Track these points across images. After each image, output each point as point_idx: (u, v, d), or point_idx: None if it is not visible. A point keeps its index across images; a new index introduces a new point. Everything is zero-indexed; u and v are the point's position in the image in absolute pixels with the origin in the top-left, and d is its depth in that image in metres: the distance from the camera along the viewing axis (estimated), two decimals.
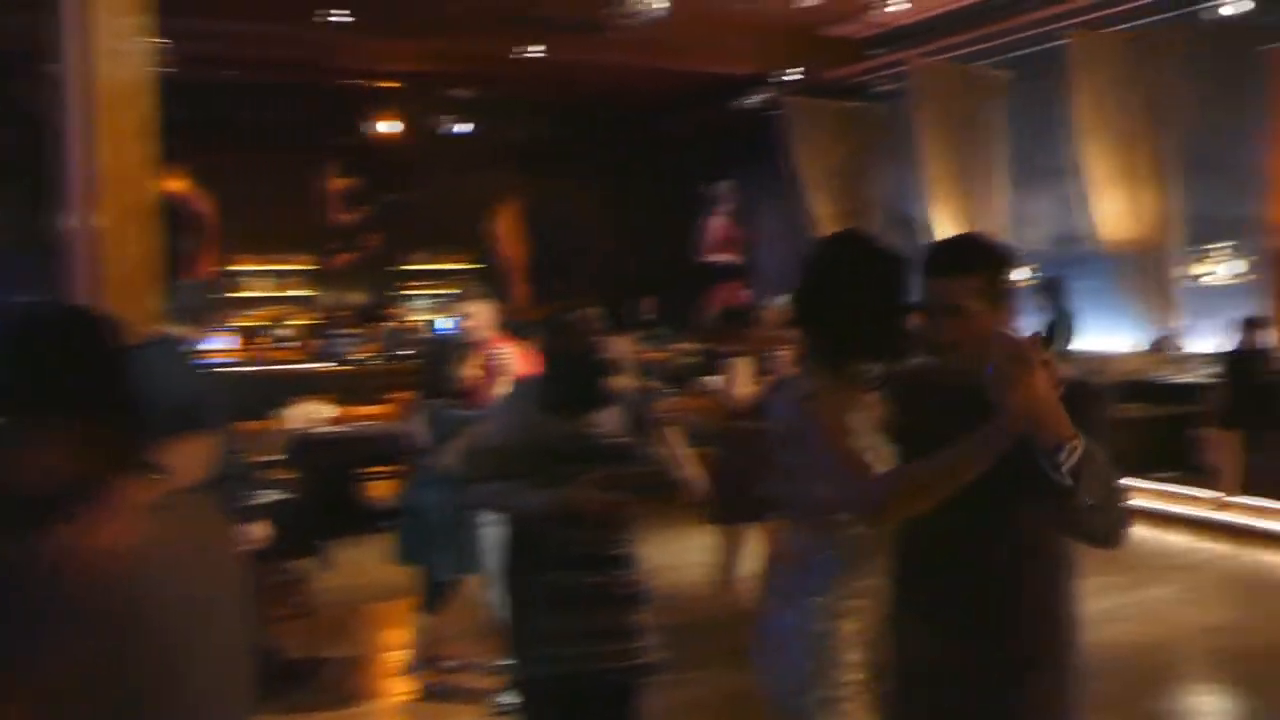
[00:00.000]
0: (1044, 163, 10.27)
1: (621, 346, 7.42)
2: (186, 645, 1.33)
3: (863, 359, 2.07)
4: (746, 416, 5.10)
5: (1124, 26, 8.94)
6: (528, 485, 2.85)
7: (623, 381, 4.80)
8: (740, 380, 5.27)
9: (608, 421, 3.03)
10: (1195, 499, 7.61)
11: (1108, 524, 1.86)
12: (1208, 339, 8.37)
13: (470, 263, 13.29)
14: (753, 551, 5.14)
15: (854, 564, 2.01)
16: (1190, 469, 7.83)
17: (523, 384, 3.28)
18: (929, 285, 2.02)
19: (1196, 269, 8.41)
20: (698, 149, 13.65)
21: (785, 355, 5.29)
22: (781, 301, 6.23)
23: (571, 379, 3.00)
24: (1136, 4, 8.87)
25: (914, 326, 2.07)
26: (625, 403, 3.26)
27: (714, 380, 9.58)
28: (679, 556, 7.01)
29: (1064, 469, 1.74)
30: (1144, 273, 9.29)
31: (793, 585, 2.07)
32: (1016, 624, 2.01)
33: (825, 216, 12.02)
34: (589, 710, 2.94)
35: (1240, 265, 8.47)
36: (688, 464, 3.47)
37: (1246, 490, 7.36)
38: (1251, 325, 7.51)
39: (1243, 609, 5.80)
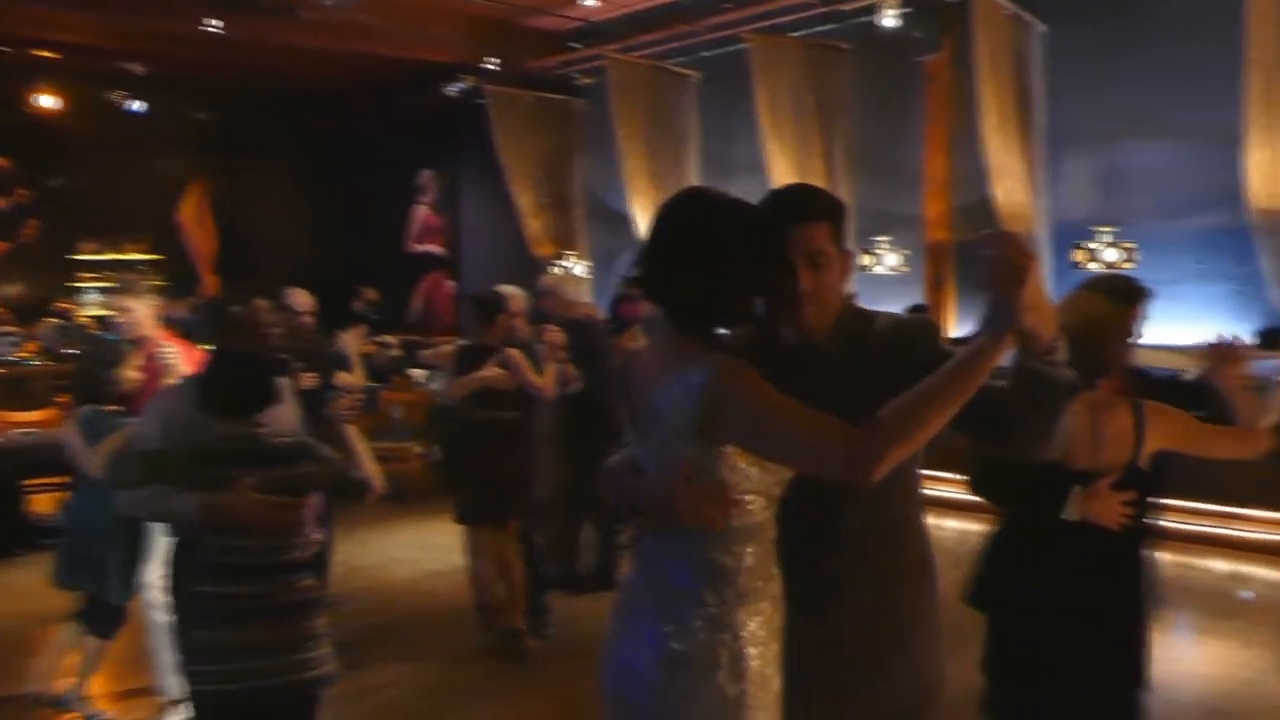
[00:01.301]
0: (734, 159, 10.83)
1: (347, 341, 7.15)
2: None
3: (730, 323, 1.86)
4: (491, 408, 4.87)
5: (798, 34, 9.55)
6: (181, 490, 2.68)
7: (307, 379, 4.62)
8: (487, 370, 4.84)
9: (280, 420, 2.88)
10: None
11: (1052, 427, 1.78)
12: None
13: (152, 253, 12.33)
14: (494, 551, 5.01)
15: (745, 564, 1.81)
16: None
17: (182, 383, 3.07)
18: (789, 234, 1.86)
19: (865, 261, 9.15)
20: (406, 137, 13.34)
21: (552, 340, 5.14)
22: (516, 290, 6.16)
23: (233, 376, 2.81)
24: (809, 13, 9.50)
25: (786, 282, 1.86)
26: (304, 400, 3.13)
27: (423, 373, 9.50)
28: (387, 554, 6.86)
29: (1059, 364, 1.70)
30: None
31: (671, 599, 1.83)
32: (888, 542, 2.00)
33: (529, 207, 12.09)
34: None
35: (899, 258, 9.28)
36: (367, 461, 3.36)
37: None
38: (914, 313, 8.29)
39: None
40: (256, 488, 2.68)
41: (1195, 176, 8.20)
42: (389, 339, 9.38)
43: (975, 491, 2.69)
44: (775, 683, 1.84)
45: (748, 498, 1.80)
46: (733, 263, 1.77)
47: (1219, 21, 7.28)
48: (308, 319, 5.65)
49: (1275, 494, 6.34)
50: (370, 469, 3.40)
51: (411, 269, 13.20)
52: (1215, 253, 8.06)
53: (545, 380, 5.01)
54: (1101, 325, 2.57)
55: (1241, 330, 7.65)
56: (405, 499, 7.92)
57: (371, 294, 11.28)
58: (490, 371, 4.83)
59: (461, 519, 5.02)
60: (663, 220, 1.86)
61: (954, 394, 1.61)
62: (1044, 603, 2.64)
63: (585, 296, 11.93)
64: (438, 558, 6.48)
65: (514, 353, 4.91)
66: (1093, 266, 7.91)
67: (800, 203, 1.95)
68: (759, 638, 1.81)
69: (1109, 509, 2.54)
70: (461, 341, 5.19)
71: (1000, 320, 1.61)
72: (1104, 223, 8.15)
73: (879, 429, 1.62)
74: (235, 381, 2.79)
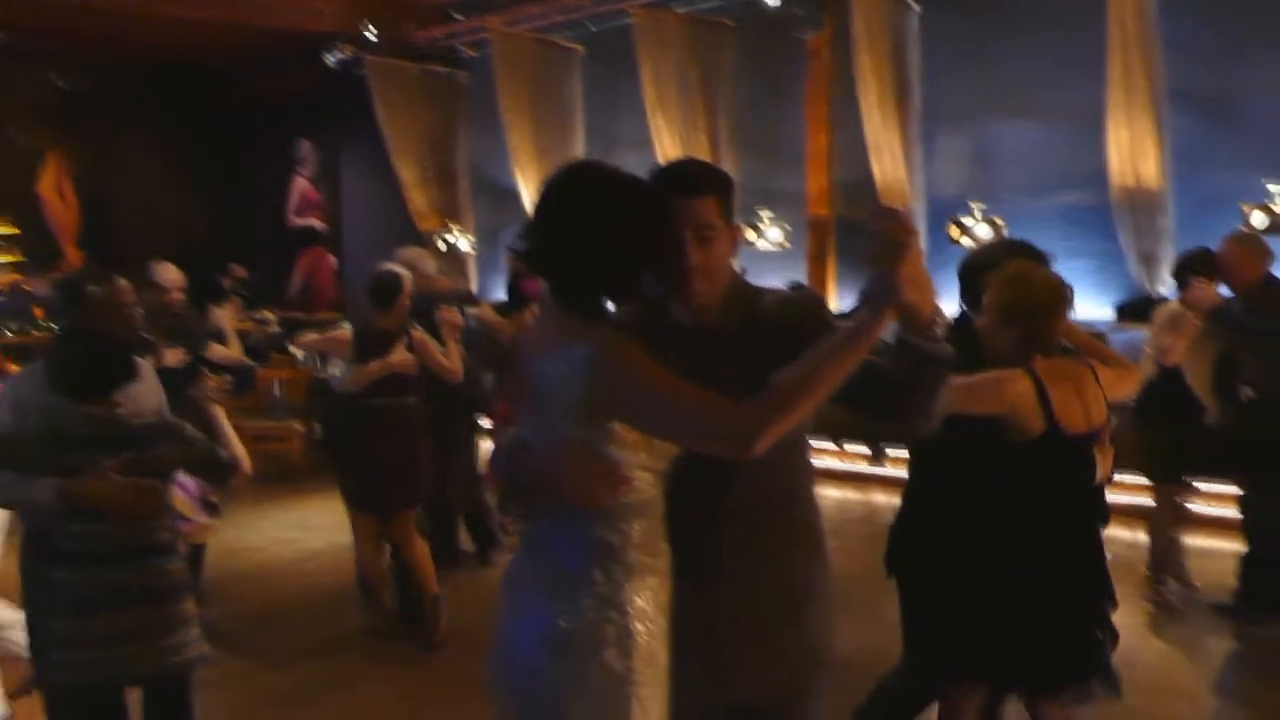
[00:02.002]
0: (619, 134, 10.81)
1: (222, 316, 6.89)
2: None
3: (618, 298, 1.85)
4: (392, 394, 4.69)
5: (683, 9, 9.57)
6: (37, 476, 2.57)
7: (173, 356, 4.47)
8: (396, 355, 4.64)
9: (141, 400, 2.78)
10: None
11: (933, 400, 1.81)
12: None
13: (12, 226, 11.69)
14: (378, 535, 4.90)
15: (633, 540, 1.81)
16: None
17: (34, 366, 2.92)
18: (678, 208, 1.85)
19: (749, 236, 9.24)
20: (283, 108, 12.92)
21: (452, 319, 4.96)
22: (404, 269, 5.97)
23: (83, 355, 2.71)
24: None
25: (674, 256, 1.84)
26: (170, 379, 3.03)
27: (300, 352, 9.25)
28: (267, 534, 6.71)
29: (939, 339, 1.72)
30: None
31: (560, 579, 1.82)
32: (778, 517, 2.00)
33: (412, 180, 11.88)
34: (121, 713, 2.75)
35: (782, 233, 9.42)
36: (235, 442, 3.27)
37: None
38: (796, 290, 8.43)
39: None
40: (117, 470, 2.60)
41: (1062, 155, 8.54)
42: (268, 315, 9.09)
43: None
44: (662, 658, 1.85)
45: (635, 474, 1.80)
46: (620, 236, 1.76)
47: (1084, 5, 7.57)
48: (176, 295, 5.45)
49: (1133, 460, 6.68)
50: (238, 449, 3.30)
51: (291, 243, 12.83)
52: (1080, 229, 8.41)
53: (452, 362, 4.91)
54: (1058, 292, 2.71)
55: (1102, 304, 8.06)
56: (286, 478, 7.77)
57: (240, 270, 10.95)
58: (400, 357, 4.70)
59: (356, 506, 4.84)
60: (550, 193, 1.85)
61: (836, 368, 1.64)
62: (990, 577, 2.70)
63: (470, 271, 11.85)
64: (321, 537, 6.38)
65: (421, 336, 4.80)
66: (965, 242, 8.17)
67: (690, 177, 1.94)
68: (647, 614, 1.82)
69: (1108, 464, 2.79)
70: (346, 325, 4.92)
71: (882, 295, 1.64)
72: (976, 199, 8.43)
73: (761, 403, 1.64)
74: (85, 361, 2.69)
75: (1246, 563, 4.83)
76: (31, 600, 2.77)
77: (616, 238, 1.76)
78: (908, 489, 3.01)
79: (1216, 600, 4.93)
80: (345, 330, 4.75)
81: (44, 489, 2.57)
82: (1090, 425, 2.73)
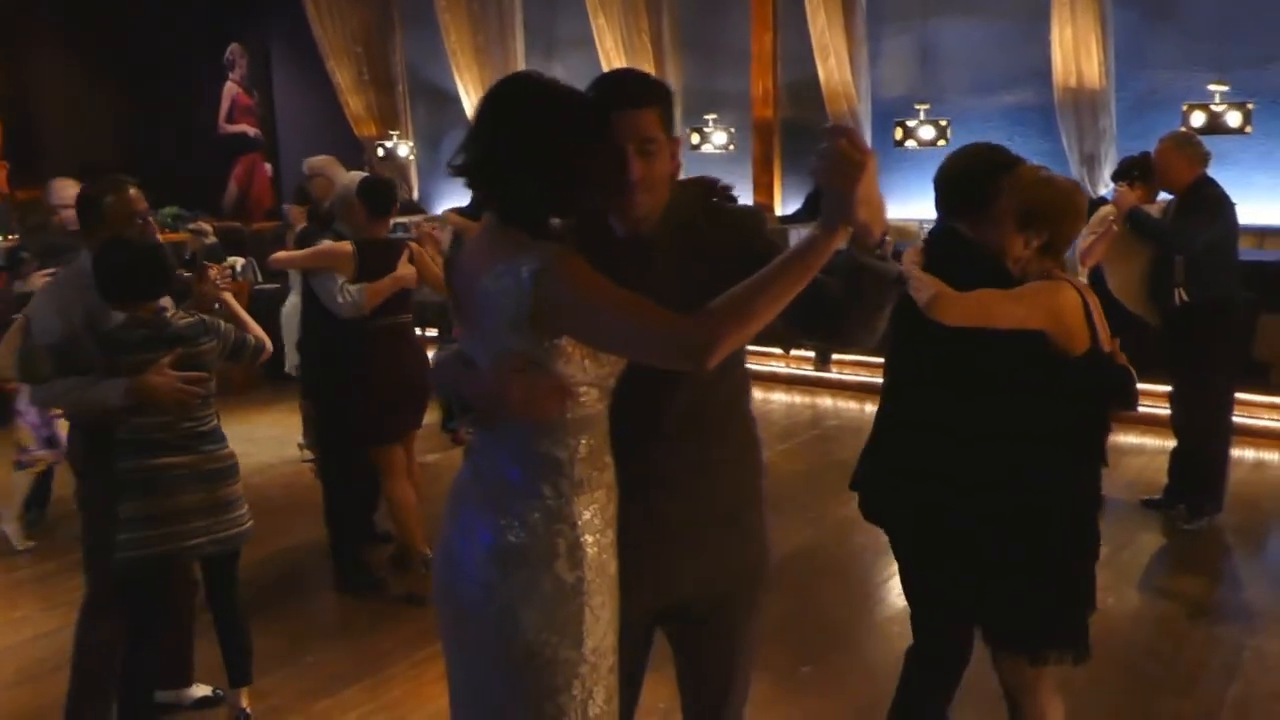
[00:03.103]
0: (560, 34, 10.58)
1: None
2: None
3: (560, 212, 1.82)
4: (395, 312, 4.27)
5: None
6: (97, 379, 2.90)
7: (39, 278, 4.35)
8: (401, 269, 4.20)
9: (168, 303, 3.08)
10: None
11: (879, 318, 1.83)
12: None
13: None
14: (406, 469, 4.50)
15: (579, 455, 1.82)
16: None
17: (71, 273, 3.10)
18: (619, 120, 1.81)
19: (694, 139, 9.15)
20: (209, 8, 12.41)
21: (436, 234, 4.65)
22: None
23: (134, 262, 2.95)
24: None
25: (616, 169, 1.82)
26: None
27: (240, 260, 9.05)
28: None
29: (888, 258, 1.72)
30: None
31: (507, 494, 1.82)
32: (717, 429, 2.03)
33: (348, 85, 11.55)
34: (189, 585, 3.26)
35: (726, 136, 9.33)
36: (253, 325, 3.40)
37: None
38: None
39: None
40: (172, 367, 2.91)
41: (1006, 54, 8.52)
42: (204, 225, 8.84)
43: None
44: (612, 567, 1.88)
45: (581, 389, 1.80)
46: (561, 151, 1.73)
47: None
48: (67, 213, 4.94)
49: None
50: (258, 331, 3.39)
51: (224, 151, 12.47)
52: (1023, 129, 8.44)
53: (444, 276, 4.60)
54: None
55: None
56: (226, 391, 7.67)
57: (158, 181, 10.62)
58: (405, 270, 4.25)
59: (384, 438, 4.32)
60: (487, 107, 1.80)
61: (788, 285, 1.64)
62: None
63: (411, 178, 11.62)
64: (268, 450, 6.35)
65: (417, 247, 4.39)
66: (910, 144, 8.16)
67: (630, 88, 1.89)
68: (595, 525, 1.84)
69: None
70: (344, 240, 4.20)
71: (835, 213, 1.62)
72: (921, 100, 8.39)
73: (715, 317, 1.63)
74: (133, 268, 2.94)
75: (1175, 459, 4.99)
76: (93, 490, 3.02)
77: (557, 152, 1.73)
78: (915, 435, 2.59)
79: (1147, 496, 5.09)
80: (346, 244, 4.18)
81: (112, 389, 2.87)
82: (1108, 340, 2.52)
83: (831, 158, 1.59)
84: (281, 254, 4.67)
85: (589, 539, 1.83)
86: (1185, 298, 4.66)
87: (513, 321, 1.72)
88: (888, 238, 1.72)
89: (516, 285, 1.70)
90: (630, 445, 1.90)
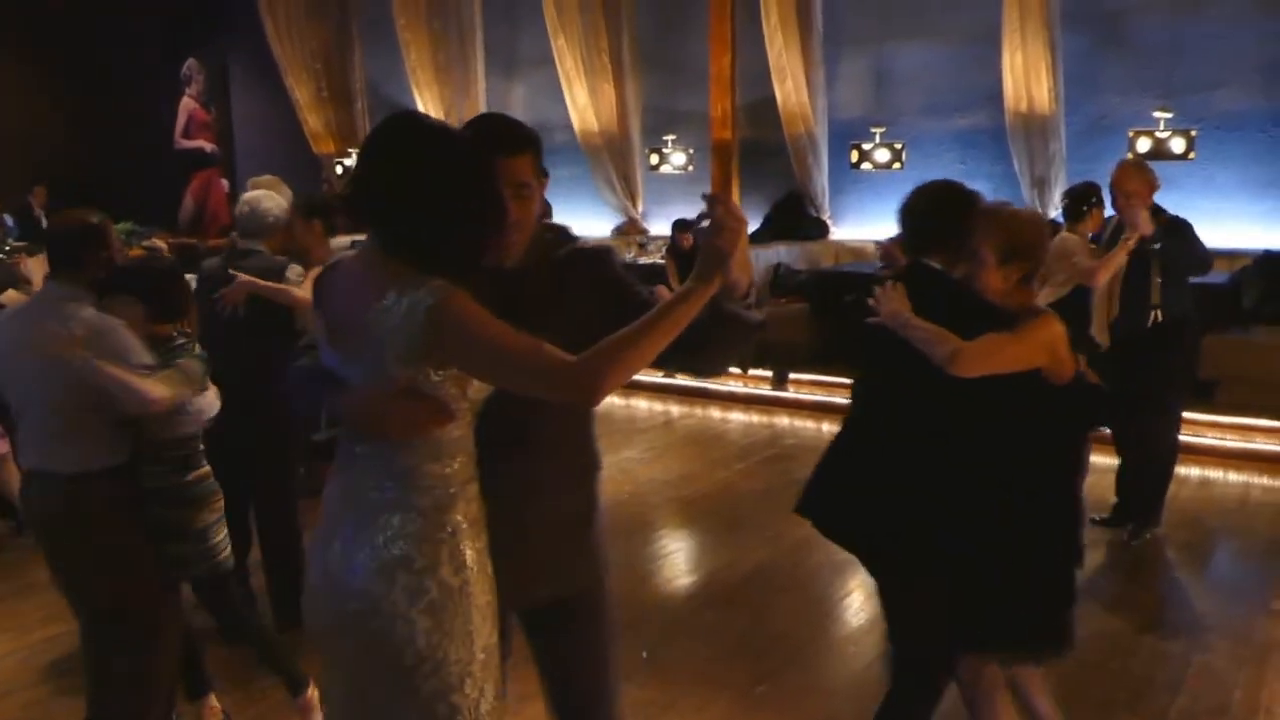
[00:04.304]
0: (521, 53, 10.61)
1: (32, 266, 6.49)
2: None
3: (455, 255, 1.87)
4: None
5: None
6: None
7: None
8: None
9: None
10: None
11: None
12: (665, 224, 9.30)
13: None
14: None
15: (453, 469, 1.94)
16: None
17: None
18: (499, 166, 1.93)
19: (653, 160, 9.22)
20: (166, 23, 12.31)
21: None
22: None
23: (166, 282, 3.16)
24: None
25: (501, 213, 1.92)
26: None
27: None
28: None
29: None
30: (612, 162, 10.05)
31: (386, 507, 1.91)
32: (576, 443, 2.23)
33: (307, 101, 11.50)
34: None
35: (685, 156, 9.40)
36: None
37: None
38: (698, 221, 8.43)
39: (693, 462, 6.65)
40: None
41: (959, 78, 8.66)
42: (158, 242, 8.75)
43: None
44: (489, 568, 2.00)
45: (461, 409, 1.92)
46: (438, 188, 1.83)
47: None
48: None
49: None
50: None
51: (180, 166, 12.35)
52: (975, 152, 8.59)
53: None
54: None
55: None
56: None
57: (40, 193, 10.46)
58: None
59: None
60: (370, 143, 1.90)
61: (668, 328, 1.83)
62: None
63: None
64: None
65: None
66: (865, 167, 8.27)
67: (505, 136, 2.03)
68: (470, 532, 1.95)
69: None
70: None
71: (711, 269, 1.84)
72: (876, 123, 8.51)
73: (600, 356, 1.78)
74: (169, 287, 3.16)
75: (1123, 477, 5.08)
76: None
77: (434, 189, 1.83)
78: (901, 465, 2.62)
79: (1096, 515, 5.16)
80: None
81: (211, 398, 3.11)
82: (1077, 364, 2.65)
83: (718, 222, 1.84)
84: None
85: (467, 544, 1.94)
86: (1160, 318, 4.76)
87: (404, 355, 1.82)
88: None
89: (408, 320, 1.79)
90: (496, 460, 2.04)
